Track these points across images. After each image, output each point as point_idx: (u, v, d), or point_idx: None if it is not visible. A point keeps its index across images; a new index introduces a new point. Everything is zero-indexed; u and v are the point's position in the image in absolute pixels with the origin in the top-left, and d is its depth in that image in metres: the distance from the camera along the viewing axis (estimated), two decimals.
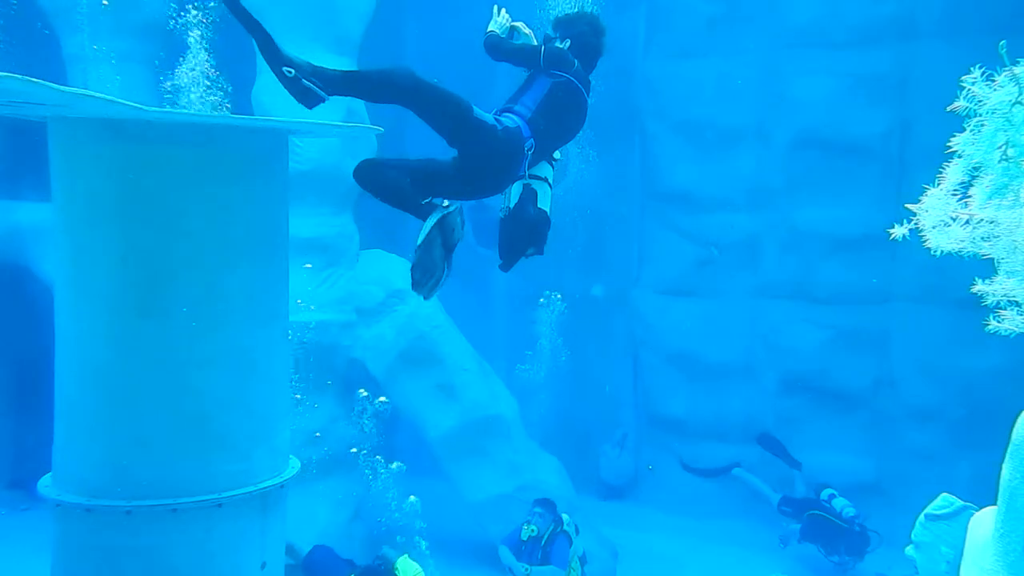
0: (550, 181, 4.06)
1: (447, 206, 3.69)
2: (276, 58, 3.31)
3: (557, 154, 4.16)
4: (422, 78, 3.50)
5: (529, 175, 3.92)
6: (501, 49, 4.05)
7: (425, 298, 3.75)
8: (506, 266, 4.04)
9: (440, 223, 3.64)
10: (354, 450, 9.56)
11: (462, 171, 3.76)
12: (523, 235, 3.97)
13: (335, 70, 3.45)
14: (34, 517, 9.83)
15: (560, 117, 3.95)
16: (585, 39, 4.13)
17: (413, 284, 3.71)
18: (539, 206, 3.96)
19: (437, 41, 13.08)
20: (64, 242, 4.68)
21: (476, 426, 10.10)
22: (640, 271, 13.06)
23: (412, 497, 9.06)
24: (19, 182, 9.90)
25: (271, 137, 4.91)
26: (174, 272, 4.53)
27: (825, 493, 10.16)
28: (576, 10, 4.36)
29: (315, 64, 3.40)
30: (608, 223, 13.23)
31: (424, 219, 3.67)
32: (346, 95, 3.53)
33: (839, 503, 9.94)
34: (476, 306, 12.73)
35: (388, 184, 3.71)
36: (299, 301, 8.94)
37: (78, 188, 4.61)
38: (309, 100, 3.33)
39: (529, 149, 3.80)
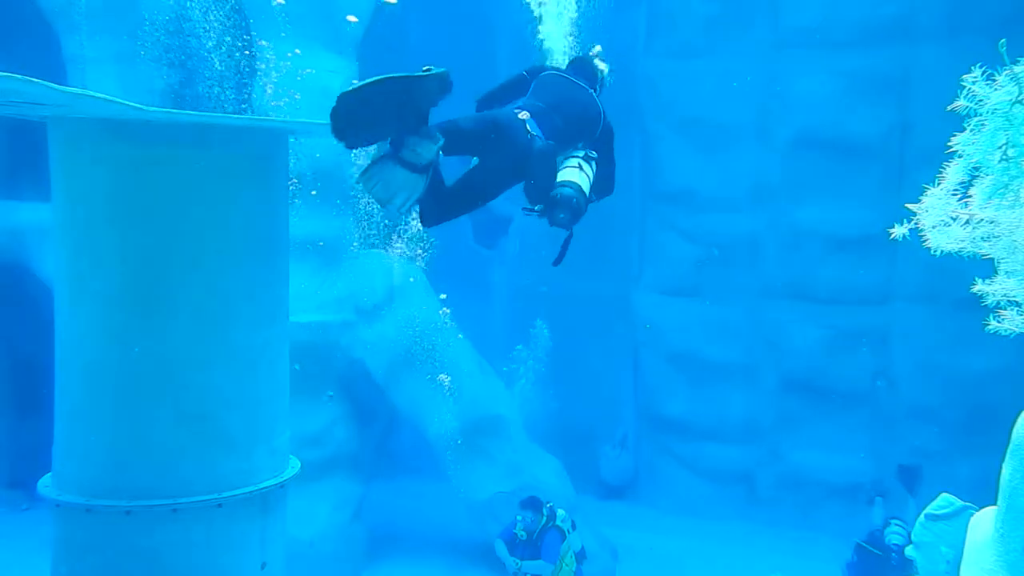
0: (583, 165, 4.09)
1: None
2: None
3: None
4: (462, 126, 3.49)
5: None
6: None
7: (395, 214, 3.44)
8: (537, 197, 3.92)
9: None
10: None
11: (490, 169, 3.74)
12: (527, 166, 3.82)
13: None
14: (34, 517, 9.84)
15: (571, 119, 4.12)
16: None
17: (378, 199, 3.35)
18: (567, 179, 3.97)
19: (437, 41, 13.07)
20: (64, 242, 4.67)
21: (476, 426, 10.10)
22: (641, 271, 13.05)
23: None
24: (19, 182, 9.89)
25: (271, 137, 4.90)
26: (174, 272, 4.53)
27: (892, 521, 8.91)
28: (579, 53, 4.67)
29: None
30: (608, 223, 13.20)
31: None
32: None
33: (891, 530, 8.62)
34: (476, 305, 12.71)
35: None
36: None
37: (78, 188, 4.61)
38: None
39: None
